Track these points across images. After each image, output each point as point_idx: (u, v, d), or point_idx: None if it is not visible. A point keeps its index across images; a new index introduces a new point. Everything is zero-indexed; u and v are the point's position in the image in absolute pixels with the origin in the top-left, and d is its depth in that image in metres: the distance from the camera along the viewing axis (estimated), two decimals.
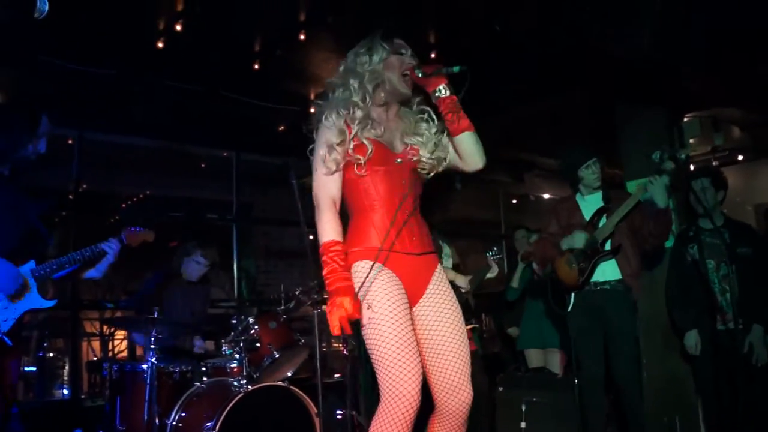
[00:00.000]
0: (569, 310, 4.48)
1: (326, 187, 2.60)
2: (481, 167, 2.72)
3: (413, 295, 2.61)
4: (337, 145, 2.58)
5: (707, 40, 4.62)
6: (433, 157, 2.70)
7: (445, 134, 2.73)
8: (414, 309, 2.63)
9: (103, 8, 4.61)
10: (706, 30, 4.52)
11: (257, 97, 6.31)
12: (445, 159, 2.73)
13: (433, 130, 2.72)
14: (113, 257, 3.44)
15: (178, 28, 4.97)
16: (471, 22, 5.10)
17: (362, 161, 2.57)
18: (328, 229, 2.54)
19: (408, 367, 2.39)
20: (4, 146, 3.11)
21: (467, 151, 2.69)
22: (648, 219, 4.38)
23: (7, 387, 3.11)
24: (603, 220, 4.46)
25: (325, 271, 2.49)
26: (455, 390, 2.56)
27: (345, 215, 2.67)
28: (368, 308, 2.47)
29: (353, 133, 2.59)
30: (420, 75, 2.64)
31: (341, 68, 2.76)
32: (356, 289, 2.48)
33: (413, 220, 2.66)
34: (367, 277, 2.48)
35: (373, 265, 2.48)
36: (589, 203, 4.58)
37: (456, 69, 2.57)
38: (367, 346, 2.49)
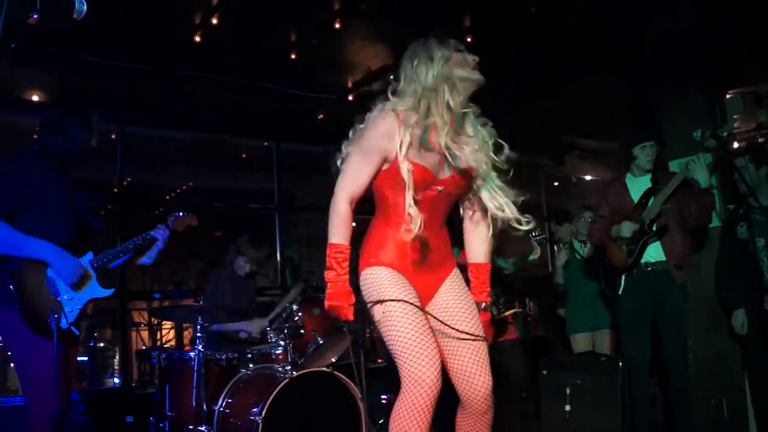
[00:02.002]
0: (620, 292, 4.46)
1: (353, 182, 2.51)
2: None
3: (425, 297, 2.62)
4: (383, 145, 2.48)
5: (748, 12, 4.52)
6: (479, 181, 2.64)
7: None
8: (427, 307, 2.62)
9: (140, 5, 4.68)
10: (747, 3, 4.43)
11: (295, 87, 6.35)
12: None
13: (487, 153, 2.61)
14: (162, 243, 3.55)
15: (215, 21, 5.02)
16: (508, 4, 5.05)
17: (406, 179, 2.47)
18: (338, 231, 2.49)
19: (425, 353, 2.40)
20: (60, 145, 3.23)
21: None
22: (690, 199, 4.32)
23: (72, 375, 3.22)
24: (651, 201, 4.42)
25: (326, 272, 2.50)
26: (471, 379, 2.56)
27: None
28: (380, 303, 2.48)
29: (403, 150, 2.45)
30: None
31: (403, 79, 2.58)
32: (370, 297, 2.53)
33: (434, 243, 2.62)
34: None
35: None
36: (638, 184, 4.54)
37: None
38: (384, 338, 2.50)
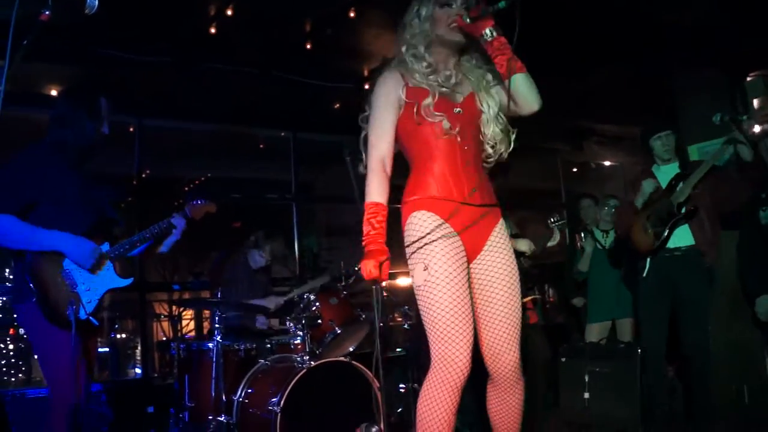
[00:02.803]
0: (644, 275, 4.45)
1: (377, 147, 2.57)
2: (537, 109, 2.58)
3: (471, 250, 2.57)
4: (392, 96, 2.58)
5: None
6: (491, 106, 2.62)
7: (496, 81, 2.64)
8: (471, 264, 2.59)
9: None
10: None
11: (311, 76, 6.35)
12: (501, 107, 2.64)
13: (489, 77, 2.66)
14: (179, 234, 3.54)
15: (230, 13, 5.03)
16: None
17: (423, 105, 2.52)
18: (373, 189, 2.53)
19: (460, 334, 2.39)
20: (69, 139, 3.19)
21: (521, 93, 2.54)
22: (721, 184, 4.27)
23: (93, 365, 3.25)
24: (681, 185, 4.38)
25: (364, 231, 2.50)
26: (500, 353, 2.55)
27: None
28: (425, 269, 2.45)
29: (410, 83, 2.57)
30: (468, 21, 2.50)
31: (400, 30, 2.72)
32: (413, 242, 2.50)
33: (474, 172, 2.58)
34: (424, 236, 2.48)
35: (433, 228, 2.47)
36: (665, 173, 4.51)
37: (502, 4, 2.41)
38: (420, 308, 2.49)
